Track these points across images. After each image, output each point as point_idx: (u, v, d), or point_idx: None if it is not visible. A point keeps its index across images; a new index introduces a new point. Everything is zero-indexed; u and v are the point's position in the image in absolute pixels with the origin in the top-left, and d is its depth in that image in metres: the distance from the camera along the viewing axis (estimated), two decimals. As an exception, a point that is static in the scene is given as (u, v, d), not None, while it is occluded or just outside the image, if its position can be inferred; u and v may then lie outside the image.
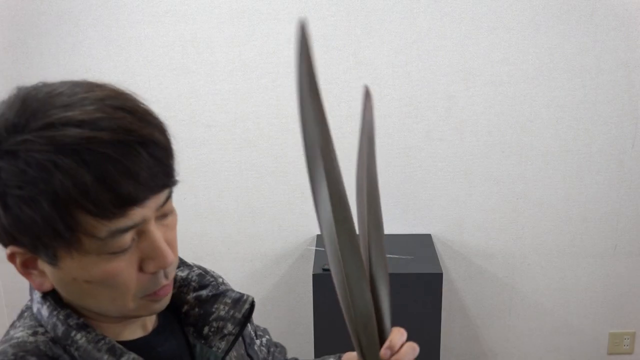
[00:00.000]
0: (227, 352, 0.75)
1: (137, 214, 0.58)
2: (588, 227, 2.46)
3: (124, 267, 0.60)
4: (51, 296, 0.65)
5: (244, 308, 0.77)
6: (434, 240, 2.46)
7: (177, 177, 0.63)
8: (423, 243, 2.40)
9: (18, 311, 0.71)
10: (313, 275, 2.20)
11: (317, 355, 2.25)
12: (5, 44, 2.34)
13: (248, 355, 0.84)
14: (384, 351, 0.67)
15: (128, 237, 0.59)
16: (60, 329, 0.64)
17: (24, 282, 0.68)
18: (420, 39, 2.29)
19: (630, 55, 2.27)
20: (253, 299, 0.79)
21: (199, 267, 0.83)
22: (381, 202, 0.70)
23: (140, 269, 0.61)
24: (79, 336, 0.63)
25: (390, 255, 2.20)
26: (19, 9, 2.30)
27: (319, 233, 2.47)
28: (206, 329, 0.76)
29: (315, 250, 2.38)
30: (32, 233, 0.57)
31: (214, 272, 0.86)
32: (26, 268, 0.63)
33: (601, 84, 2.31)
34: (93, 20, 2.31)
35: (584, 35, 2.26)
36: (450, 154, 2.40)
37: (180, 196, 2.47)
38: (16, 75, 2.34)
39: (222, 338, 0.75)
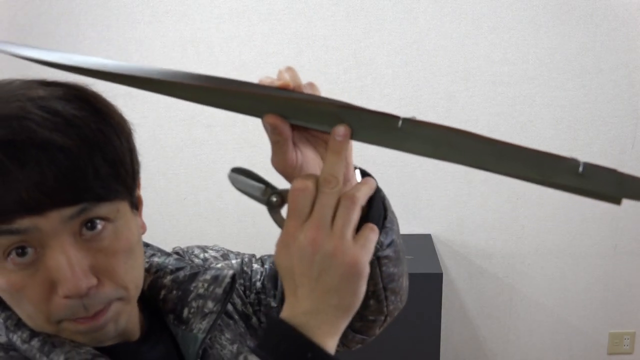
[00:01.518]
0: (208, 331, 0.69)
1: (25, 222, 0.53)
2: (588, 227, 2.46)
3: (27, 283, 0.55)
4: None
5: (225, 282, 0.71)
6: (434, 240, 2.46)
7: (117, 195, 0.57)
8: (423, 243, 2.40)
9: None
10: (313, 275, 2.20)
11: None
12: (5, 44, 2.34)
13: (250, 335, 0.78)
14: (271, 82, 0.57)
15: (6, 243, 0.54)
16: (3, 331, 0.63)
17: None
18: (420, 39, 2.29)
19: (630, 55, 2.27)
20: (234, 273, 0.73)
21: (198, 246, 0.82)
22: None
23: (54, 290, 0.56)
24: (15, 337, 0.61)
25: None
26: (19, 9, 2.30)
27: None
28: (186, 312, 0.70)
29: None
30: None
31: (208, 249, 0.83)
32: None
33: (601, 84, 2.31)
34: (93, 20, 2.31)
35: (584, 35, 2.26)
36: (450, 154, 2.40)
37: (180, 196, 2.47)
38: (16, 75, 2.33)
39: (203, 317, 0.69)
